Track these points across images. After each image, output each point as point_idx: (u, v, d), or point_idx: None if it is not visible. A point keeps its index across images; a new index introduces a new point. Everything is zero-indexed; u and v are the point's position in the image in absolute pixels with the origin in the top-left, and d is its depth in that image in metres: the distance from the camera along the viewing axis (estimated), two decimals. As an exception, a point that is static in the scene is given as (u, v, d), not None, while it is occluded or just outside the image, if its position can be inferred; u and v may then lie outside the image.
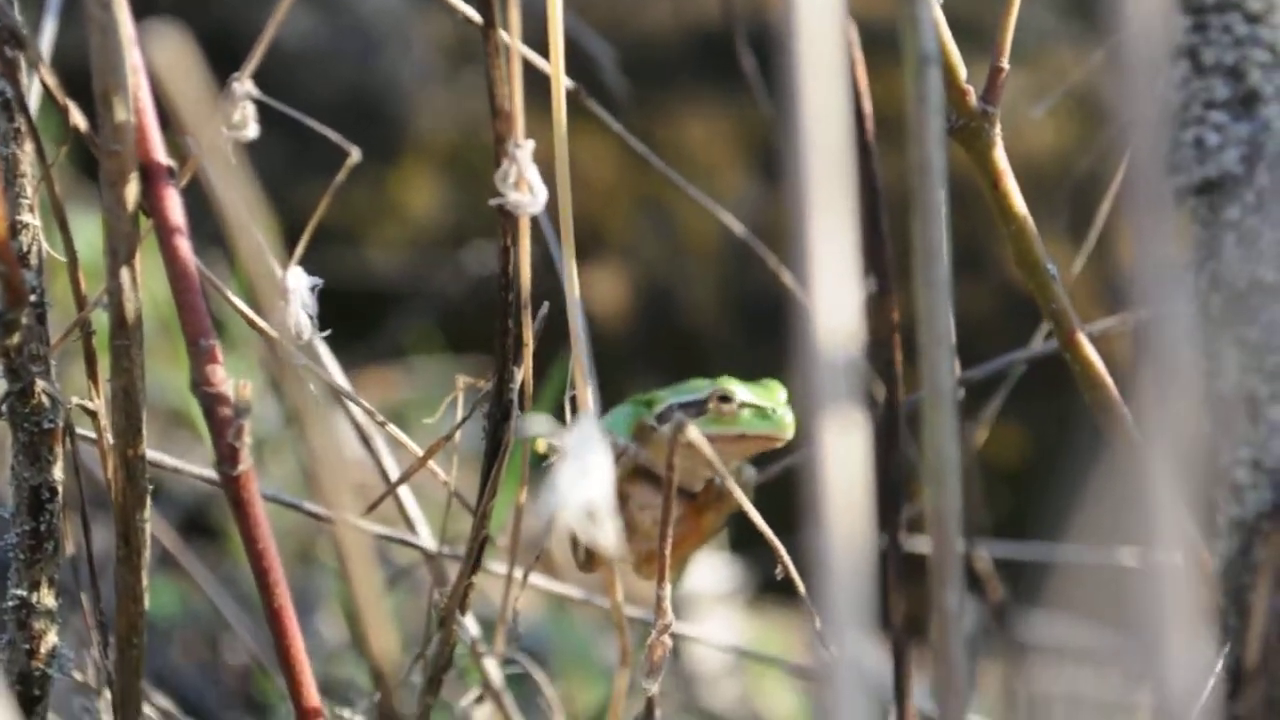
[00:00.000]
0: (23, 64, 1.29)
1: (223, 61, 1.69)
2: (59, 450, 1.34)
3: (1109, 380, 1.46)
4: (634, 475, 1.48)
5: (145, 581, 1.38)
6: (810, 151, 0.84)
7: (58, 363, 1.33)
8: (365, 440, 1.52)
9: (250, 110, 1.25)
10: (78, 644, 1.50)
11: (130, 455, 1.31)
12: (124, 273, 1.25)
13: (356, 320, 3.19)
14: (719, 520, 1.52)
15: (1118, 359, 1.57)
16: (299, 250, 1.31)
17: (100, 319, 1.30)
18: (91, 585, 1.41)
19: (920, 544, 1.80)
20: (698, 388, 1.47)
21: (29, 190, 1.30)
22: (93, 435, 1.38)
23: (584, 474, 1.11)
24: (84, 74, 1.28)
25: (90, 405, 1.36)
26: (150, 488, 1.34)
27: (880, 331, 1.48)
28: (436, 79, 3.39)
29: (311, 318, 1.31)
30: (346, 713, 1.55)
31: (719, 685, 2.78)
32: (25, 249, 1.31)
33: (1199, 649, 0.91)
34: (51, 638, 1.38)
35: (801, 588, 1.46)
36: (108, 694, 1.46)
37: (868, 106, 1.49)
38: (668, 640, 1.35)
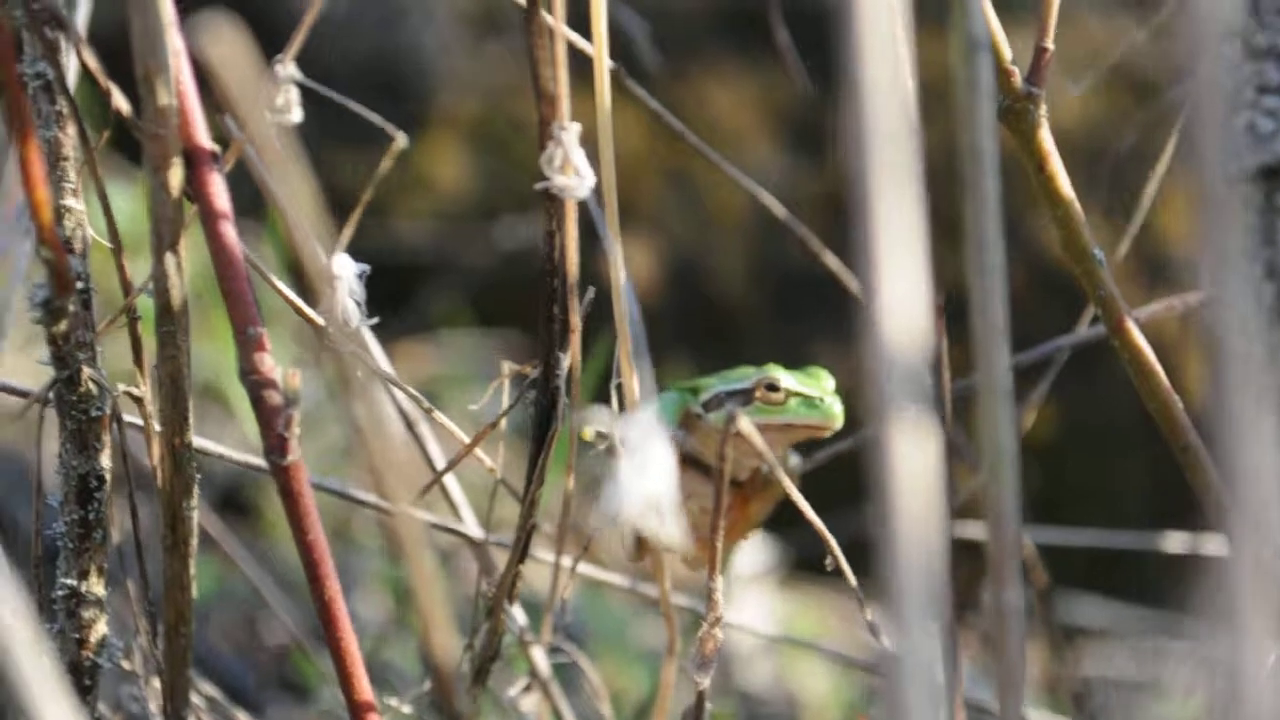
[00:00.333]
0: (63, 45, 1.28)
1: (256, 40, 1.68)
2: (106, 438, 1.33)
3: (1158, 368, 1.44)
4: (680, 463, 1.47)
5: (193, 569, 1.37)
6: (876, 150, 0.83)
7: (102, 348, 1.33)
8: (410, 426, 1.51)
9: (294, 94, 1.24)
10: (125, 632, 1.50)
11: (177, 443, 1.31)
12: (169, 258, 1.24)
13: (385, 294, 3.17)
14: (765, 509, 1.52)
15: (1164, 340, 1.56)
16: (344, 236, 1.30)
17: (145, 303, 1.30)
18: (139, 573, 1.41)
19: (965, 529, 1.79)
20: (744, 375, 1.46)
21: (72, 174, 1.30)
22: (139, 422, 1.37)
23: (646, 468, 1.10)
24: (120, 53, 1.27)
25: (136, 392, 1.35)
26: (198, 476, 1.34)
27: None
28: (460, 50, 3.37)
29: (359, 304, 1.30)
30: (394, 701, 1.55)
31: (754, 664, 2.78)
32: (69, 234, 1.30)
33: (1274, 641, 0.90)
34: (101, 627, 1.37)
35: (851, 578, 1.45)
36: (155, 682, 1.46)
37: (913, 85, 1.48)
38: (719, 633, 1.35)
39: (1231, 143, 1.21)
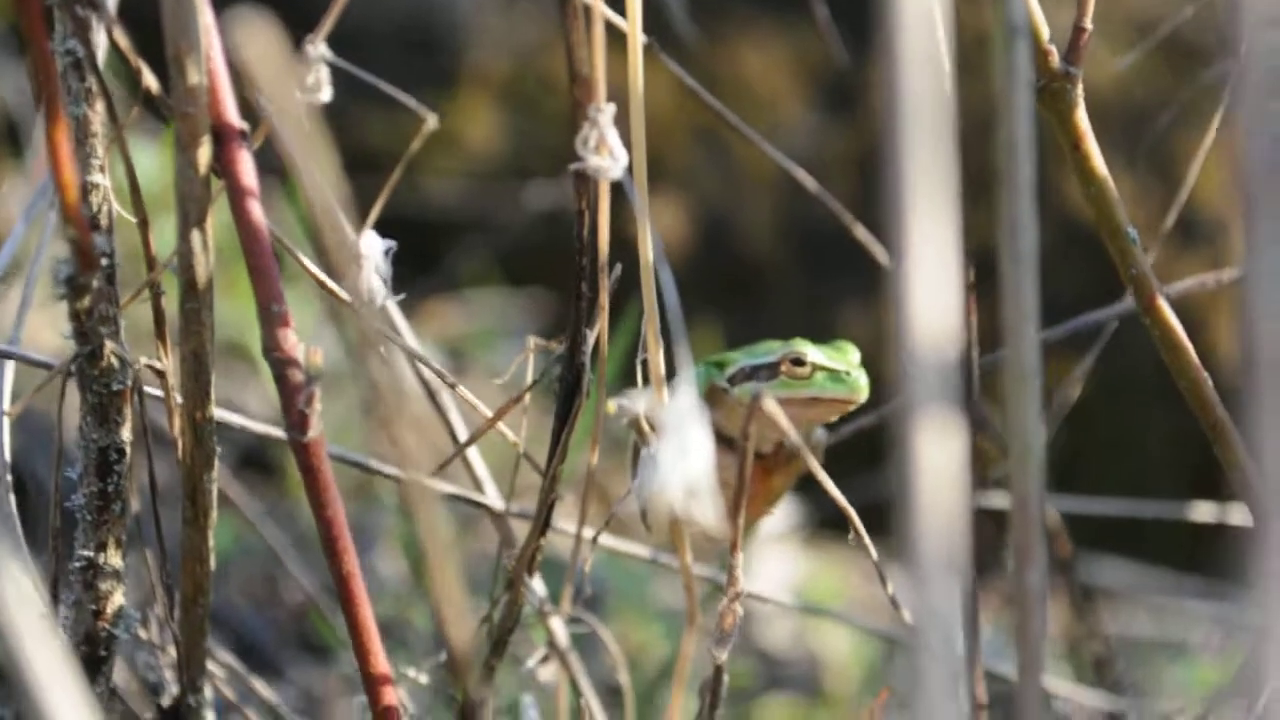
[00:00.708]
0: (94, 22, 1.27)
1: (289, 12, 1.67)
2: (127, 412, 1.33)
3: (1189, 345, 1.43)
4: (704, 437, 1.46)
5: (211, 542, 1.37)
6: (912, 143, 0.82)
7: (125, 321, 1.32)
8: (433, 398, 1.50)
9: (324, 73, 1.23)
10: (142, 602, 1.49)
11: (199, 417, 1.30)
12: (195, 235, 1.24)
13: (414, 252, 3.16)
14: (788, 481, 1.51)
15: (1194, 315, 1.55)
16: (373, 215, 1.29)
17: (170, 275, 1.29)
18: (158, 545, 1.40)
19: (988, 498, 1.78)
20: (770, 349, 1.45)
21: (100, 150, 1.29)
22: (160, 394, 1.37)
23: (684, 451, 1.09)
24: (149, 27, 1.26)
25: (159, 365, 1.34)
26: (218, 450, 1.33)
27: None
28: (492, 8, 3.35)
29: (385, 281, 1.29)
30: (411, 671, 1.54)
31: (774, 624, 2.77)
32: (95, 210, 1.29)
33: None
34: (118, 598, 1.37)
35: (873, 551, 1.45)
36: (172, 651, 1.45)
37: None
38: (739, 608, 1.34)
39: (1277, 127, 1.20)
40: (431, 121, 1.25)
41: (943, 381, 0.78)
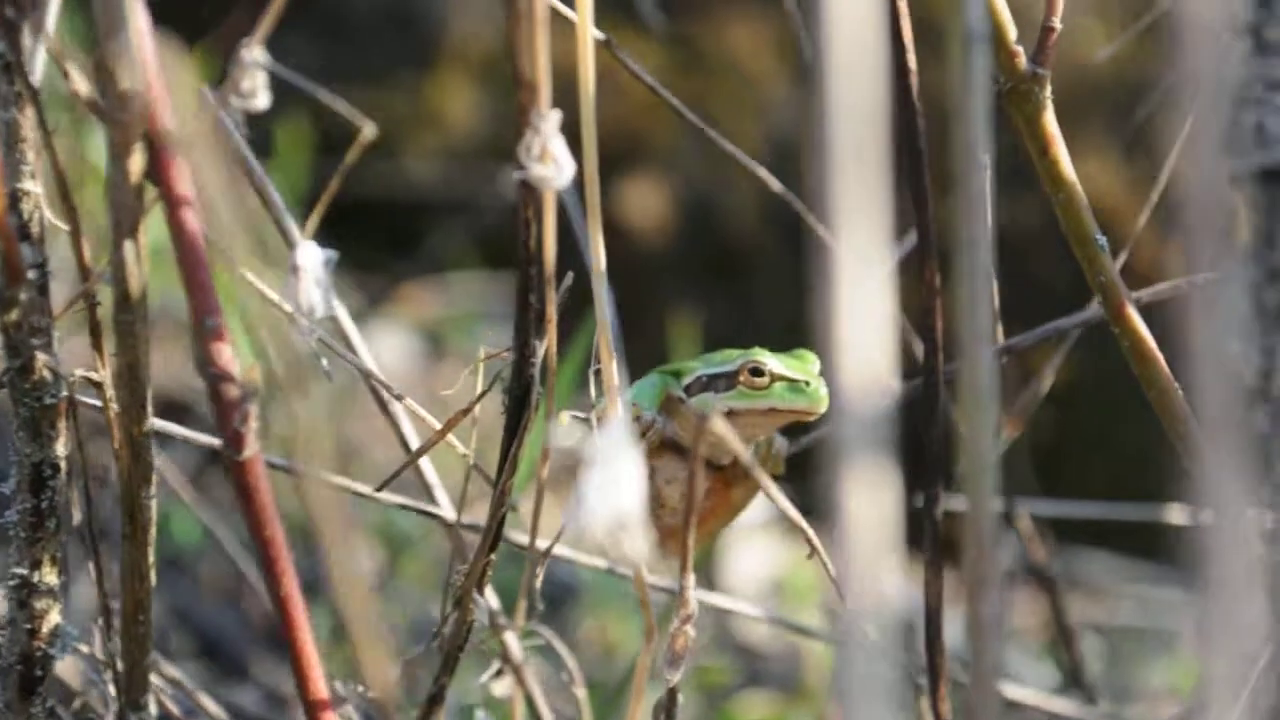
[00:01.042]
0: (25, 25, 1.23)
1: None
2: (61, 426, 1.29)
3: (1159, 355, 1.39)
4: (661, 448, 1.43)
5: (151, 558, 1.33)
6: (842, 175, 0.78)
7: (61, 334, 1.28)
8: (384, 407, 1.46)
9: (261, 78, 1.18)
10: (85, 617, 1.46)
11: (136, 433, 1.26)
12: (128, 247, 1.20)
13: (394, 233, 3.13)
14: (749, 495, 1.47)
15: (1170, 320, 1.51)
16: (310, 225, 1.25)
17: (107, 287, 1.25)
18: (94, 562, 1.37)
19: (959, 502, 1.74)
20: (728, 358, 1.41)
21: (30, 156, 1.25)
22: (98, 404, 1.33)
23: (614, 482, 1.05)
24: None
25: (95, 377, 1.30)
26: (156, 465, 1.29)
27: (921, 293, 1.42)
28: (475, -19, 3.31)
29: (327, 291, 1.25)
30: (349, 708, 1.50)
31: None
32: (26, 218, 1.25)
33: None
34: (54, 617, 1.33)
35: (834, 570, 1.41)
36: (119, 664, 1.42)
37: (912, 61, 1.42)
38: (691, 631, 1.30)
39: (1238, 140, 1.16)
40: (369, 131, 1.20)
41: (873, 433, 0.74)
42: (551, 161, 1.19)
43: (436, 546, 2.44)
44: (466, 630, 1.40)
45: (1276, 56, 1.13)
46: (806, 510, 2.56)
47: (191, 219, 1.18)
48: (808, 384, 1.39)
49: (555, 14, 1.33)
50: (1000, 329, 1.56)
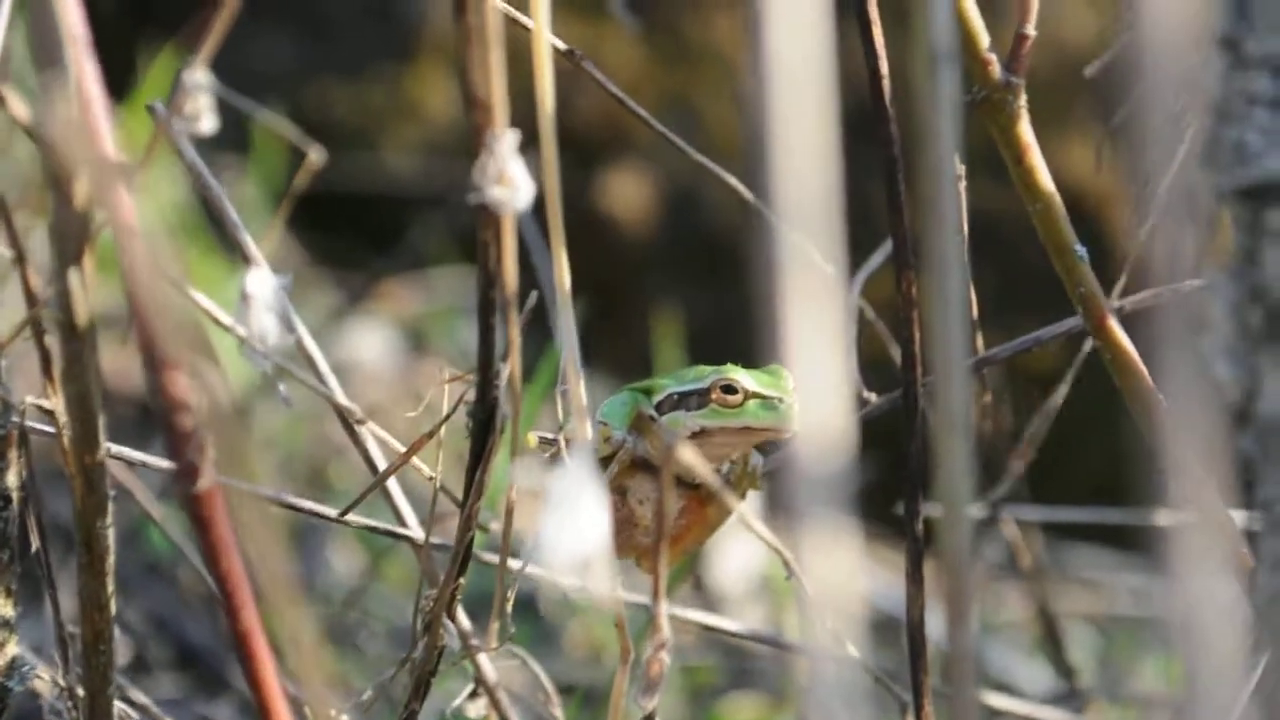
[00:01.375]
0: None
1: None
2: (13, 455, 1.26)
3: (1142, 367, 1.36)
4: (632, 467, 1.39)
5: (110, 587, 1.30)
6: (791, 221, 0.74)
7: (9, 360, 1.25)
8: (350, 430, 1.42)
9: (205, 101, 1.15)
10: (45, 644, 1.43)
11: (89, 462, 1.23)
12: (73, 274, 1.16)
13: (374, 228, 3.10)
14: (725, 511, 1.44)
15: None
16: (269, 246, 1.22)
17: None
18: (50, 592, 1.34)
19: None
20: (700, 375, 1.38)
21: (-27, 184, 1.21)
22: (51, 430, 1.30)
23: (575, 521, 1.02)
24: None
25: (46, 404, 1.27)
26: (112, 494, 1.26)
27: (900, 306, 1.39)
28: (456, -29, 3.27)
29: (283, 317, 1.22)
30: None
31: (743, 610, 2.71)
32: (-31, 246, 1.22)
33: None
34: (11, 648, 1.30)
35: (808, 588, 1.38)
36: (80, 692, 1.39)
37: (884, 67, 1.39)
38: (665, 657, 1.27)
39: (1220, 156, 1.12)
40: (314, 158, 1.17)
41: (832, 490, 0.71)
42: (509, 184, 1.16)
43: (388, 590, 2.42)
44: (437, 655, 1.37)
45: (1255, 70, 1.10)
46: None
47: (138, 246, 1.14)
48: (781, 401, 1.36)
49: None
50: (980, 338, 1.53)
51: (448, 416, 1.31)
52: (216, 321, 1.24)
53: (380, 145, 3.17)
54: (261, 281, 1.19)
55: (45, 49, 1.11)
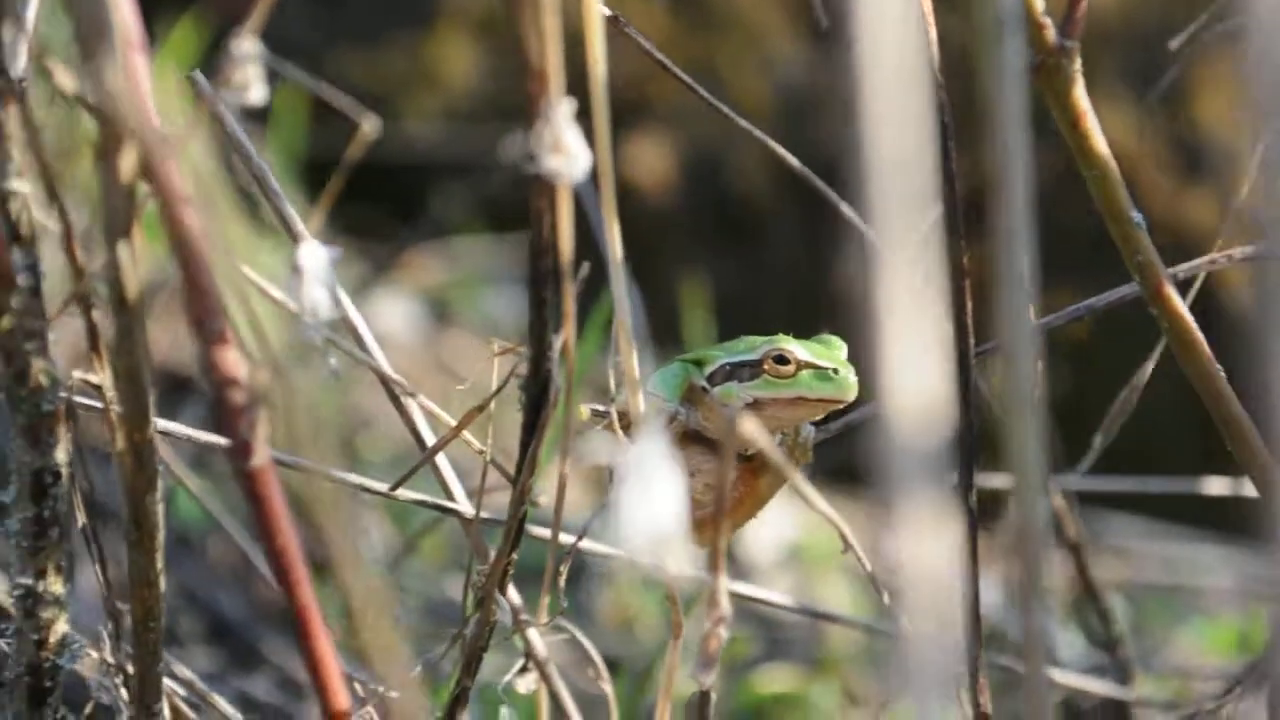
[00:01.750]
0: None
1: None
2: (61, 431, 1.24)
3: (1200, 337, 1.34)
4: (684, 438, 1.38)
5: (159, 564, 1.29)
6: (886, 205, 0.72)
7: (56, 334, 1.23)
8: (396, 401, 1.40)
9: (254, 71, 1.13)
10: (96, 622, 1.41)
11: (137, 439, 1.21)
12: (122, 248, 1.14)
13: (397, 198, 3.08)
14: (777, 482, 1.42)
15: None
16: (316, 224, 1.20)
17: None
18: (100, 569, 1.32)
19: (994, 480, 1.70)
20: (752, 345, 1.36)
21: (16, 155, 1.19)
22: (98, 405, 1.28)
23: (649, 498, 1.00)
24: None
25: (94, 379, 1.25)
26: (160, 469, 1.24)
27: (950, 275, 1.37)
28: (474, -63, 3.25)
29: (332, 290, 1.20)
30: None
31: (774, 579, 2.70)
32: (15, 218, 1.20)
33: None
34: (61, 626, 1.29)
35: (867, 563, 1.37)
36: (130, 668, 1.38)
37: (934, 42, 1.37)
38: (723, 633, 1.25)
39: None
40: (370, 129, 1.15)
41: (930, 468, 0.69)
42: (565, 152, 1.14)
43: (451, 524, 2.39)
44: (489, 631, 1.35)
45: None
46: (829, 473, 2.51)
47: (189, 218, 1.12)
48: (835, 371, 1.34)
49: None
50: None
51: (499, 390, 1.29)
52: (267, 295, 1.22)
53: (401, 114, 3.14)
54: (313, 255, 1.17)
55: (89, 21, 1.09)
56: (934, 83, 1.37)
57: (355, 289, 2.84)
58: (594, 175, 1.19)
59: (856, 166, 0.73)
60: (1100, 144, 1.32)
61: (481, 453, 1.34)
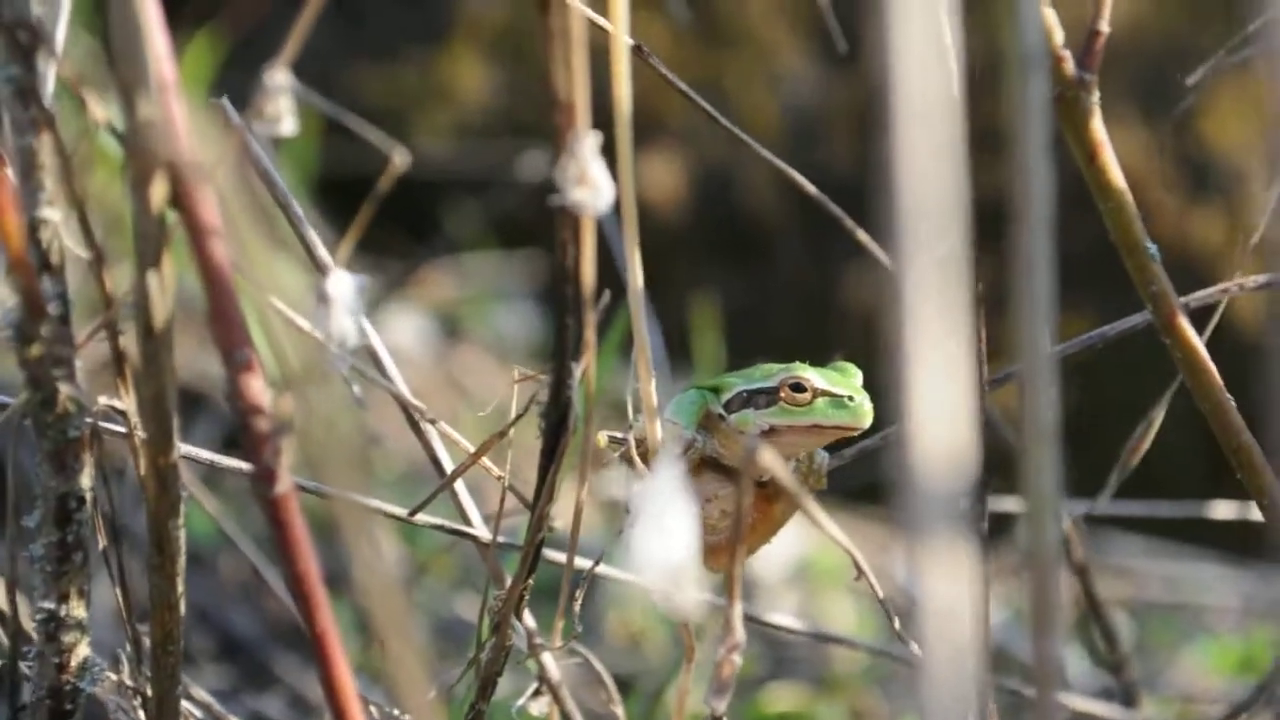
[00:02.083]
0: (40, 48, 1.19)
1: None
2: (86, 457, 1.25)
3: (1211, 366, 1.35)
4: (700, 465, 1.39)
5: (180, 588, 1.30)
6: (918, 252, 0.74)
7: (82, 361, 1.24)
8: (416, 429, 1.41)
9: (286, 103, 1.14)
10: (112, 644, 1.42)
11: (162, 463, 1.23)
12: (152, 276, 1.16)
13: (410, 214, 3.08)
14: (790, 510, 1.43)
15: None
16: (343, 254, 1.21)
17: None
18: (121, 593, 1.33)
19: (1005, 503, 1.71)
20: (768, 373, 1.37)
21: (48, 183, 1.20)
22: (123, 430, 1.29)
23: (663, 528, 1.01)
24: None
25: (119, 405, 1.27)
26: (185, 494, 1.26)
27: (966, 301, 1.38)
28: (486, -47, 3.26)
29: (358, 319, 1.21)
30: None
31: (779, 597, 2.71)
32: (45, 246, 1.21)
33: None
34: (82, 650, 1.30)
35: (878, 589, 1.38)
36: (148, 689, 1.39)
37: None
38: (736, 659, 1.26)
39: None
40: (400, 162, 1.16)
41: (951, 511, 0.71)
42: (590, 185, 1.15)
43: (461, 544, 2.40)
44: (504, 655, 1.36)
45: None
46: (837, 493, 2.52)
47: (218, 249, 1.14)
48: (851, 399, 1.35)
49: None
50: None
51: (519, 417, 1.30)
52: (294, 325, 1.23)
53: (413, 129, 3.15)
54: (341, 284, 1.18)
55: (124, 53, 1.10)
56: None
57: (369, 306, 2.86)
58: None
59: (883, 194, 0.74)
60: (1117, 177, 1.33)
61: (500, 478, 1.35)
